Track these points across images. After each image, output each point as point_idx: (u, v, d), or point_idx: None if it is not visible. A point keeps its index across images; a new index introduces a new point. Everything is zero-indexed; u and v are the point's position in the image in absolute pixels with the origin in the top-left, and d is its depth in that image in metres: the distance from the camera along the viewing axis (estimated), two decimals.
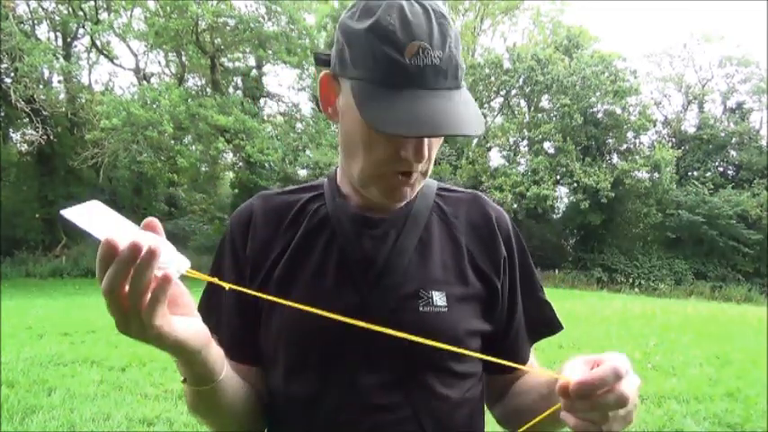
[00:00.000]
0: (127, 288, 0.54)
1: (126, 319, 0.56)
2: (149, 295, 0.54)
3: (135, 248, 0.52)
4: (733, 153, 26.30)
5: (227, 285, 0.65)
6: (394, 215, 0.84)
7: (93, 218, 0.56)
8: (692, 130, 27.16)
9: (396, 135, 0.68)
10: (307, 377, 0.78)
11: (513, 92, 25.19)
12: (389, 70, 0.68)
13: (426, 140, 0.72)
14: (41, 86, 17.40)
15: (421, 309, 0.78)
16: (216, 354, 0.69)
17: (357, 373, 0.77)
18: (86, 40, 21.96)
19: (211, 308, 0.84)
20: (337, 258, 0.81)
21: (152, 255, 0.52)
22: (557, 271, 21.98)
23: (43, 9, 19.51)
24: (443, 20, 0.70)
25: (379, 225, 0.83)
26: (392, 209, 0.83)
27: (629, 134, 24.07)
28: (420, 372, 0.78)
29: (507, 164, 23.72)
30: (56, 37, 21.35)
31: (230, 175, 26.06)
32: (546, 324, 0.93)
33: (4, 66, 16.61)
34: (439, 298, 0.79)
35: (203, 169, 24.64)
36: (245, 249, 0.84)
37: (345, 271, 0.80)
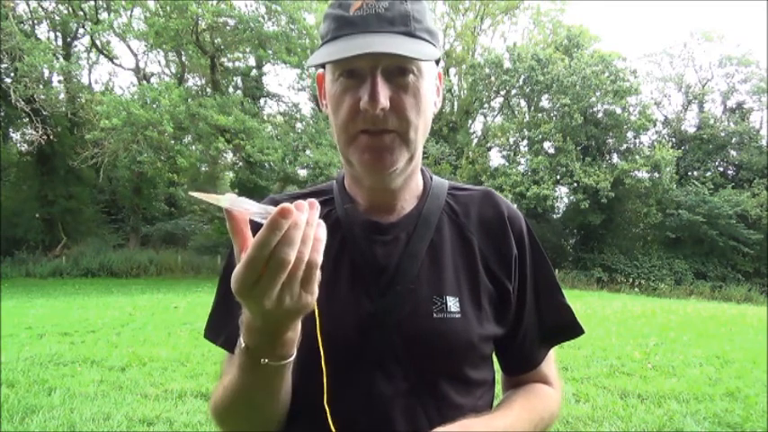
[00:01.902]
0: (294, 255, 0.53)
1: (283, 291, 0.55)
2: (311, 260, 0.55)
3: (311, 207, 0.55)
4: (733, 153, 26.30)
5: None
6: (404, 219, 0.83)
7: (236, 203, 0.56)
8: (692, 130, 27.17)
9: (330, 61, 0.72)
10: (322, 384, 0.76)
11: (513, 92, 25.18)
12: (338, 25, 0.73)
13: (381, 84, 0.71)
14: (41, 86, 17.39)
15: (435, 315, 0.77)
16: None
17: (373, 381, 0.76)
18: (86, 40, 22.01)
19: (231, 310, 0.80)
20: (349, 265, 0.80)
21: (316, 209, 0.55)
22: (557, 271, 21.99)
23: (43, 9, 19.52)
24: None
25: (390, 230, 0.81)
26: (384, 184, 0.80)
27: (629, 134, 24.07)
28: (434, 380, 0.78)
29: (507, 164, 23.72)
30: (56, 37, 21.39)
31: (230, 174, 26.07)
32: (563, 328, 0.91)
33: (4, 66, 16.62)
34: (453, 303, 0.78)
35: (203, 169, 24.67)
36: None
37: (358, 277, 0.79)
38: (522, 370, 0.90)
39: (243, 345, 0.64)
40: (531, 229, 0.89)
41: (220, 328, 0.84)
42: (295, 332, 0.63)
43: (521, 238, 0.86)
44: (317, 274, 0.57)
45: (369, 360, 0.76)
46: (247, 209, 0.55)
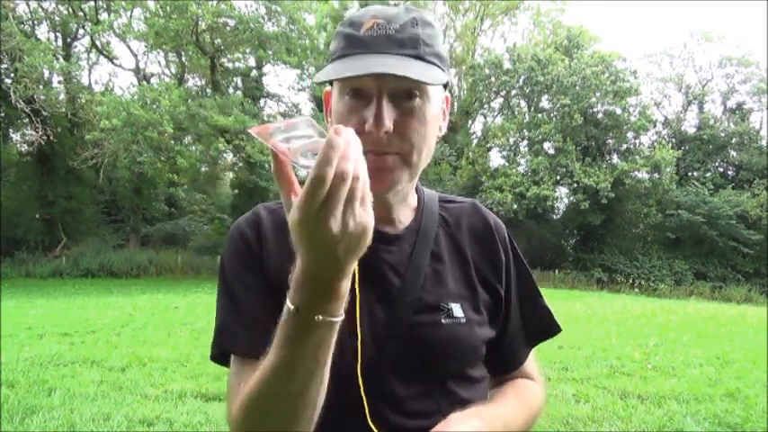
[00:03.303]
0: (352, 170, 0.53)
1: (346, 210, 0.54)
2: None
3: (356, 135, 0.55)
4: (733, 153, 26.32)
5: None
6: (406, 231, 0.86)
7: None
8: (692, 131, 27.18)
9: (338, 78, 0.72)
10: (342, 390, 0.75)
11: (513, 92, 25.19)
12: (347, 44, 0.74)
13: (386, 106, 0.71)
14: (41, 86, 17.40)
15: (443, 321, 0.81)
16: None
17: (389, 384, 0.79)
18: (86, 41, 22.03)
19: (242, 315, 0.79)
20: (359, 271, 0.80)
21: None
22: (557, 271, 21.98)
23: (43, 9, 19.54)
24: (419, 17, 0.74)
25: (394, 241, 0.84)
26: (387, 206, 0.83)
27: (629, 134, 24.09)
28: (444, 380, 0.82)
29: (507, 164, 23.72)
30: (56, 37, 21.41)
31: (230, 175, 26.09)
32: (544, 329, 0.97)
33: (4, 66, 16.63)
34: (457, 310, 0.82)
35: (203, 169, 24.69)
36: (262, 262, 0.81)
37: (366, 287, 0.80)
38: (509, 369, 0.95)
39: (292, 308, 0.60)
40: (512, 237, 0.95)
41: (238, 337, 0.79)
42: (348, 282, 0.60)
43: (506, 246, 0.92)
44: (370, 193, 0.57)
45: (384, 365, 0.79)
46: (291, 147, 0.56)
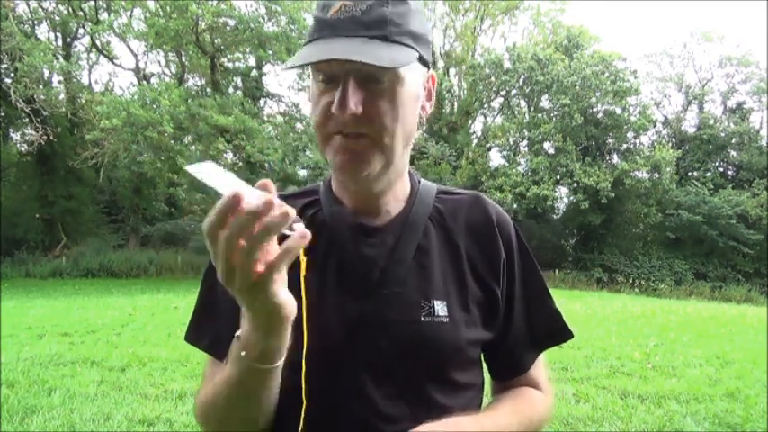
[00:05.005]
0: (243, 242, 0.54)
1: (233, 273, 0.56)
2: (278, 250, 0.57)
3: (269, 204, 0.53)
4: (733, 153, 26.33)
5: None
6: (391, 222, 0.82)
7: (213, 175, 0.57)
8: (692, 130, 27.19)
9: (297, 66, 0.71)
10: (314, 386, 0.76)
11: (513, 92, 25.18)
12: (317, 27, 0.73)
13: (352, 89, 0.70)
14: (41, 86, 17.41)
15: (423, 319, 0.77)
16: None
17: (361, 382, 0.76)
18: (86, 40, 22.03)
19: (214, 312, 0.82)
20: (336, 266, 0.80)
21: (285, 216, 0.54)
22: (557, 271, 21.98)
23: (43, 9, 19.54)
24: None
25: (376, 233, 0.81)
26: (364, 191, 0.80)
27: (629, 134, 24.09)
28: (422, 383, 0.77)
29: (507, 164, 23.71)
30: (56, 37, 21.41)
31: None
32: (552, 333, 0.91)
33: (4, 66, 16.63)
34: (441, 308, 0.78)
35: None
36: None
37: (345, 279, 0.79)
38: (512, 375, 0.90)
39: (242, 354, 0.66)
40: (520, 234, 0.89)
41: (203, 331, 0.85)
42: (283, 337, 0.65)
43: (509, 242, 0.86)
44: (283, 265, 0.58)
45: (356, 362, 0.76)
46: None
